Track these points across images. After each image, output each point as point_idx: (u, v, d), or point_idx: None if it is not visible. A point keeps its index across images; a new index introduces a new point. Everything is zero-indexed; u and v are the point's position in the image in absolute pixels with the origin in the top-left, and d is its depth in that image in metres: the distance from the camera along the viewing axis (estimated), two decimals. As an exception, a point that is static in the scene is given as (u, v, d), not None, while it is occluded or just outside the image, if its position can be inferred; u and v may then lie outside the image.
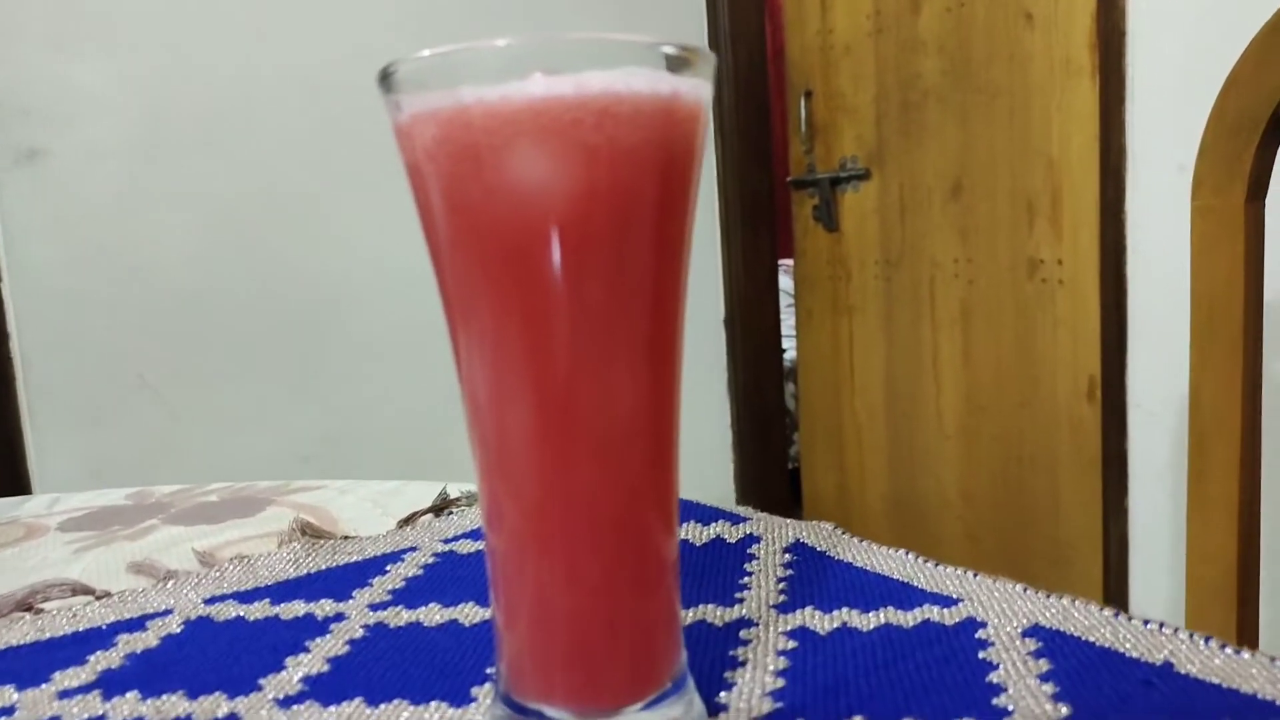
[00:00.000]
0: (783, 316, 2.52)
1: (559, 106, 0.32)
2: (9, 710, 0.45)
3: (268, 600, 0.56)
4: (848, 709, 0.40)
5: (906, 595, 0.51)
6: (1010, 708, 0.39)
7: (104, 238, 1.81)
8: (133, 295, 1.83)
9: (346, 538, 0.66)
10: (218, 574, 0.60)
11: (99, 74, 1.81)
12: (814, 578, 0.54)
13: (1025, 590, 0.50)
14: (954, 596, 0.50)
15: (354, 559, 0.62)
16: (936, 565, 0.54)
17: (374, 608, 0.54)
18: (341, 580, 0.59)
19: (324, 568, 0.61)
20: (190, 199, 1.86)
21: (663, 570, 0.38)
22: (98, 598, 0.57)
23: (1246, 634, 0.81)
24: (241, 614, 0.54)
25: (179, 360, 1.87)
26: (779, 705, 0.41)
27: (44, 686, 0.46)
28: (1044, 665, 0.43)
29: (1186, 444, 0.81)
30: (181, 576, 0.60)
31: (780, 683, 0.43)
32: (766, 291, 2.42)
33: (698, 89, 0.36)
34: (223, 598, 0.57)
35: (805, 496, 2.52)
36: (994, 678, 0.42)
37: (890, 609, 0.49)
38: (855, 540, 0.59)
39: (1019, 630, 0.46)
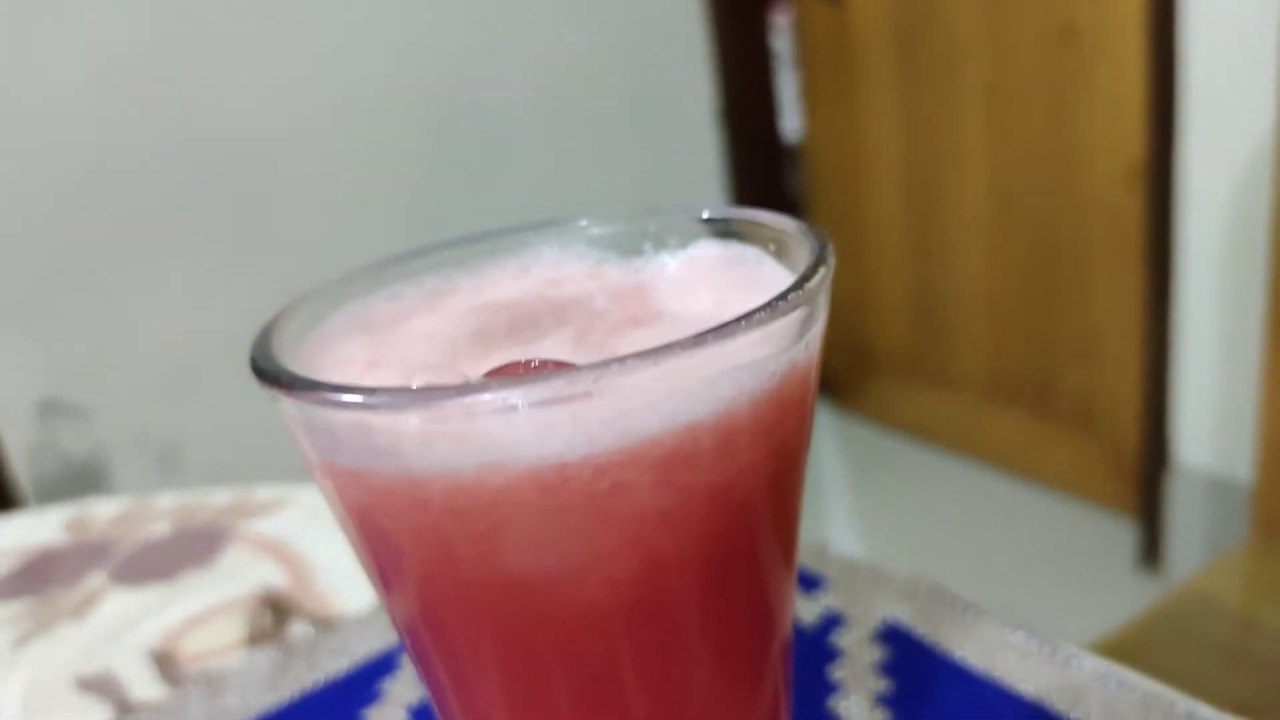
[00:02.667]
0: (785, 104, 2.29)
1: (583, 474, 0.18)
2: None
3: (248, 761, 0.45)
4: None
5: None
6: None
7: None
8: (40, 173, 1.58)
9: (321, 624, 0.54)
10: (179, 703, 0.49)
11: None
12: (919, 697, 0.44)
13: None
14: (1105, 737, 0.40)
15: (338, 670, 0.51)
16: (1067, 660, 0.43)
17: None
18: (329, 707, 0.49)
19: (302, 691, 0.50)
20: (84, 52, 1.57)
21: None
22: (40, 760, 0.47)
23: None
24: (215, 789, 0.44)
25: (108, 240, 1.65)
26: None
27: None
28: None
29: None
30: (140, 716, 0.49)
31: None
32: (763, 79, 2.18)
33: (815, 323, 0.21)
34: (190, 756, 0.46)
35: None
36: None
37: (1029, 766, 0.39)
38: (963, 613, 0.48)
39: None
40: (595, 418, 0.17)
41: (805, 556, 0.54)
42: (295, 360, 0.22)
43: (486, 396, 0.16)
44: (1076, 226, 1.73)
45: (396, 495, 0.18)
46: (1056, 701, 0.42)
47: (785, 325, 0.19)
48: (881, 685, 0.44)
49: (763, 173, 2.22)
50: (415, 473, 0.17)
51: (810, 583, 0.51)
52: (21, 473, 1.48)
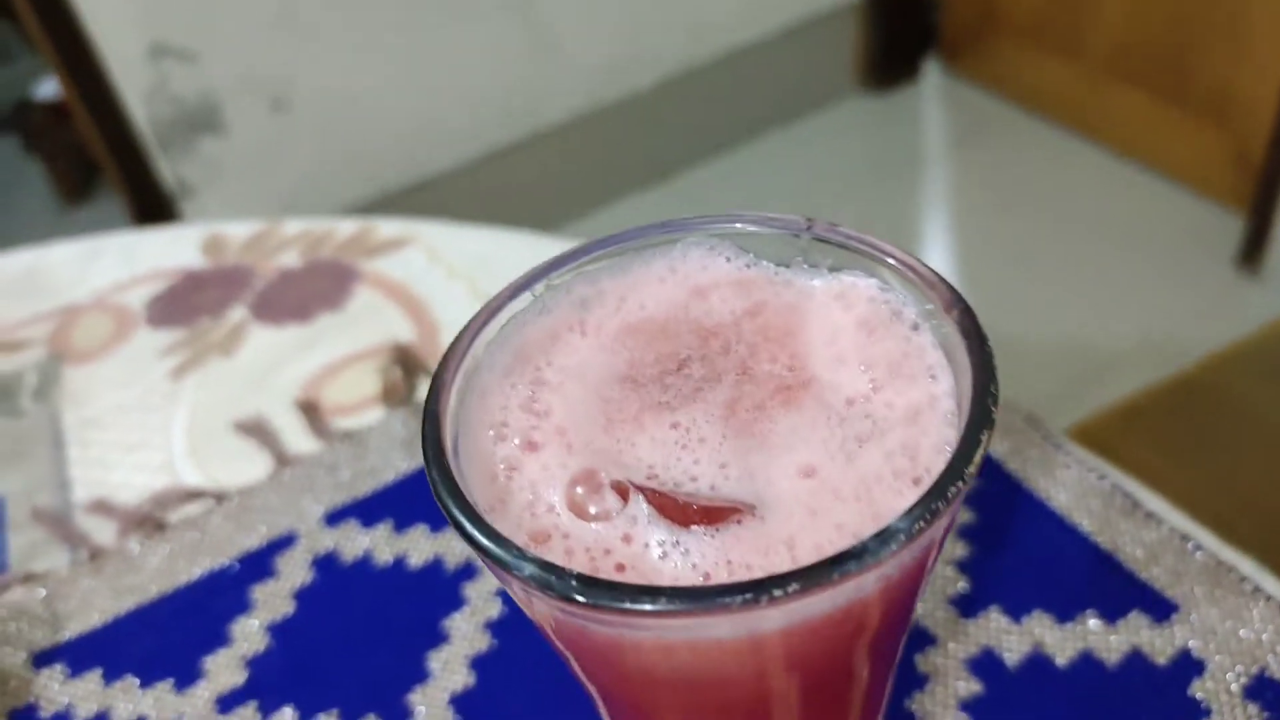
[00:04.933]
0: None
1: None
2: (170, 731, 0.45)
3: (390, 523, 0.52)
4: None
5: (1112, 589, 0.44)
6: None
7: None
8: None
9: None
10: (331, 459, 0.56)
11: None
12: (999, 531, 0.47)
13: (1256, 595, 0.43)
14: (1170, 599, 0.43)
15: (471, 436, 0.56)
16: (1148, 517, 0.46)
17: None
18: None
19: (441, 457, 0.55)
20: None
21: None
22: (218, 501, 0.54)
23: None
24: (368, 548, 0.51)
25: None
26: None
27: (201, 687, 0.46)
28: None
29: None
30: (297, 473, 0.55)
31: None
32: None
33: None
34: (344, 514, 0.53)
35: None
36: None
37: (1092, 620, 0.43)
38: (1055, 451, 0.49)
39: (1243, 685, 0.40)
40: (759, 620, 0.18)
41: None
42: (459, 417, 0.24)
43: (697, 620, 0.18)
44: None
45: (610, 643, 0.20)
46: (1130, 559, 0.45)
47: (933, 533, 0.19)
48: (965, 516, 0.48)
49: None
50: (628, 639, 0.20)
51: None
52: (139, 116, 1.51)
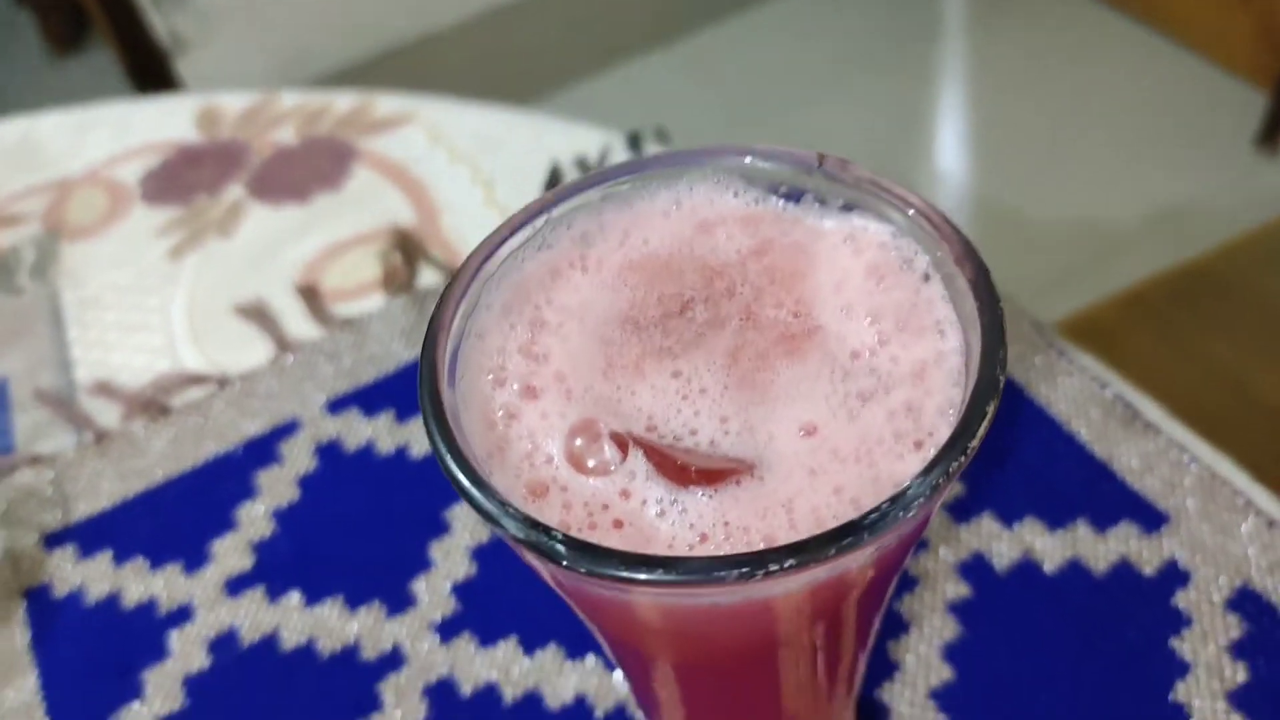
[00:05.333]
0: None
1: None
2: (184, 612, 0.46)
3: (392, 413, 0.52)
4: (1015, 688, 0.40)
5: (1105, 498, 0.45)
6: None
7: None
8: None
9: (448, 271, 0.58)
10: (332, 346, 0.56)
11: None
12: (994, 435, 0.47)
13: (1246, 509, 0.43)
14: (1161, 510, 0.44)
15: (472, 327, 0.56)
16: (1146, 428, 0.46)
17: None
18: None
19: (442, 347, 0.55)
20: None
21: None
22: (220, 386, 0.55)
23: None
24: (370, 437, 0.52)
25: None
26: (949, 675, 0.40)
27: (209, 570, 0.47)
28: (1240, 674, 0.39)
29: None
30: (298, 359, 0.55)
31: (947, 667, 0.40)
32: None
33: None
34: (346, 402, 0.53)
35: None
36: (1180, 685, 0.39)
37: (1083, 528, 0.44)
38: (1059, 357, 0.49)
39: (1225, 597, 0.41)
40: (754, 589, 0.19)
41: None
42: (457, 361, 0.23)
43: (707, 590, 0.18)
44: None
45: (606, 598, 0.21)
46: (1124, 469, 0.45)
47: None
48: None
49: None
50: (622, 598, 0.20)
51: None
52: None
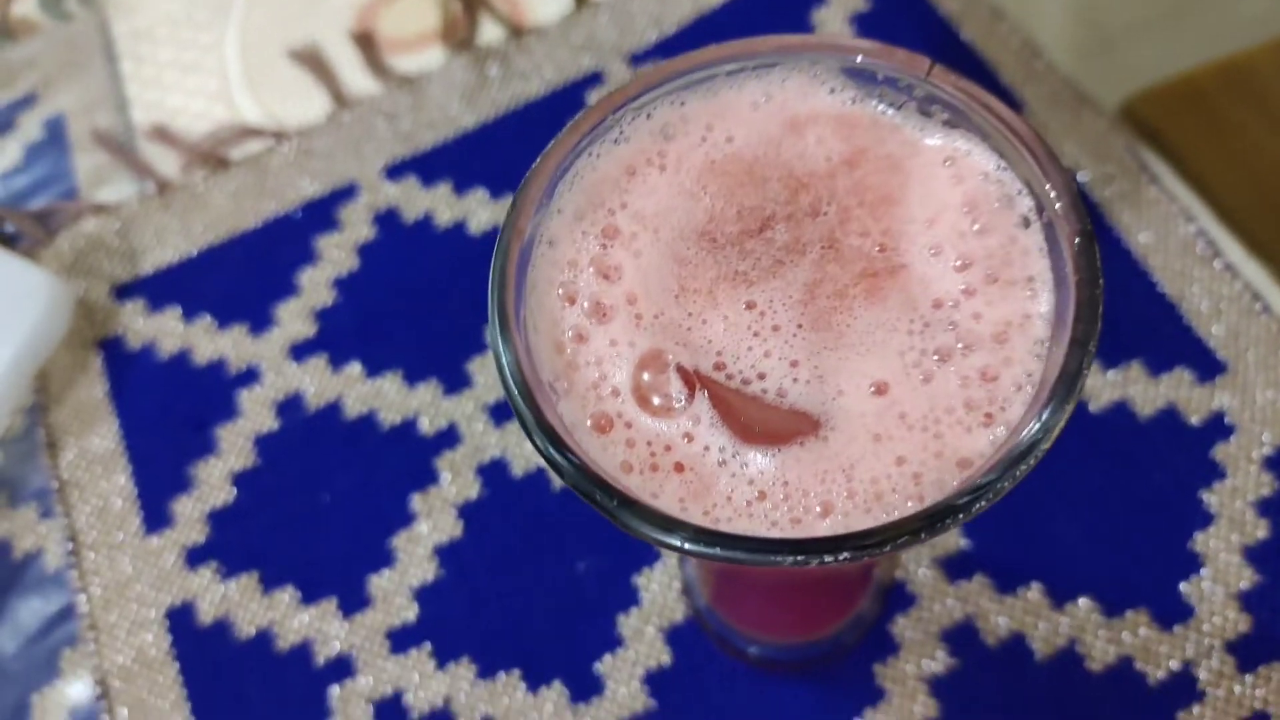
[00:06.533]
0: None
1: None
2: (253, 373, 0.49)
3: (450, 183, 0.52)
4: (1034, 510, 0.41)
5: (1166, 340, 0.44)
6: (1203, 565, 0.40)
7: None
8: None
9: (516, 31, 0.54)
10: (390, 106, 0.54)
11: None
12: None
13: (1311, 367, 0.43)
14: (1220, 359, 0.43)
15: (532, 94, 0.53)
16: (1225, 267, 0.45)
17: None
18: (526, 136, 0.53)
19: (500, 112, 0.53)
20: None
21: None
22: (277, 140, 0.54)
23: None
24: (429, 208, 0.51)
25: None
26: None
27: (274, 334, 0.49)
28: (1262, 530, 0.40)
29: None
30: (355, 117, 0.54)
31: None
32: None
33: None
34: (404, 168, 0.52)
35: None
36: (1199, 535, 0.40)
37: (1136, 369, 0.44)
38: (1148, 186, 0.47)
39: (1264, 454, 0.42)
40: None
41: (1014, 62, 0.51)
42: (528, 273, 0.23)
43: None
44: None
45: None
46: (1192, 312, 0.44)
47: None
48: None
49: None
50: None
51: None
52: None
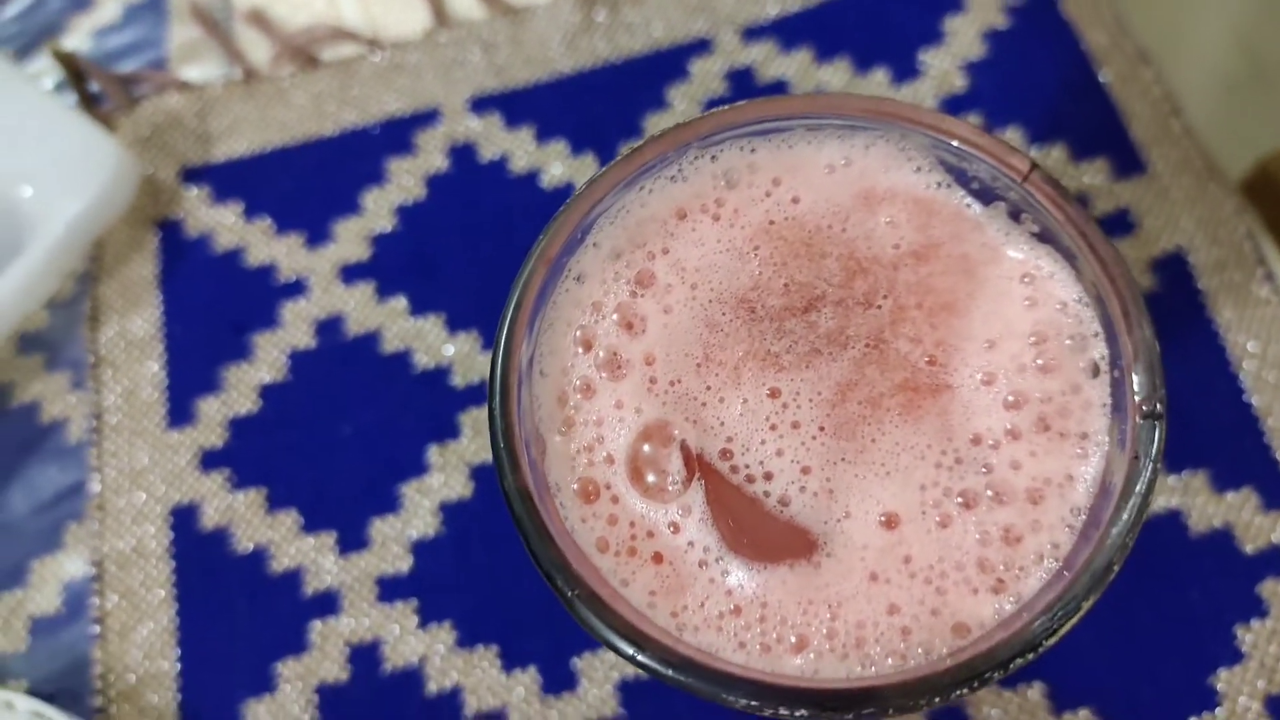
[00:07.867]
0: None
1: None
2: (300, 286, 0.48)
3: (533, 129, 0.50)
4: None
5: (1242, 453, 0.41)
6: None
7: None
8: None
9: (637, -16, 0.52)
10: (490, 34, 0.52)
11: None
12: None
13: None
14: (1295, 488, 0.40)
15: (635, 49, 0.51)
16: None
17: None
18: (619, 93, 0.50)
19: (598, 62, 0.51)
20: None
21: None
22: (370, 48, 0.52)
23: None
24: (506, 150, 0.50)
25: None
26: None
27: (329, 250, 0.48)
28: None
29: None
30: (452, 38, 0.52)
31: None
32: None
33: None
34: (490, 103, 0.51)
35: None
36: (1222, 672, 0.38)
37: (1202, 477, 0.41)
38: (1252, 257, 0.43)
39: (1323, 598, 0.39)
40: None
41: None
42: (548, 306, 0.21)
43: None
44: None
45: None
46: (1273, 430, 0.41)
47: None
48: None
49: None
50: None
51: (1130, 166, 0.46)
52: None
